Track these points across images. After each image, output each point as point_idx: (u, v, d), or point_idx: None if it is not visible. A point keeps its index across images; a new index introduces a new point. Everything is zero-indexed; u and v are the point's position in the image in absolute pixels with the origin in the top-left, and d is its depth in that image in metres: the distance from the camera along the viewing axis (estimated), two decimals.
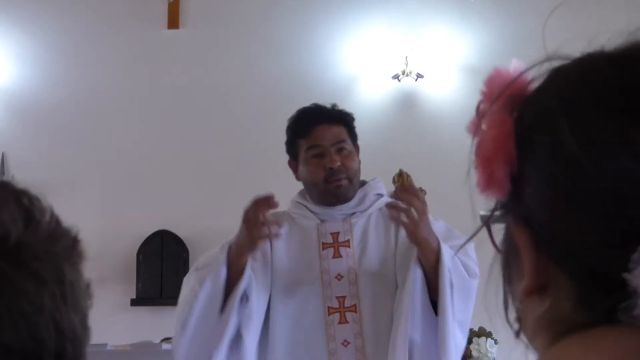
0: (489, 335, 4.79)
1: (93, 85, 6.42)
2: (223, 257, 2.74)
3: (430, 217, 2.83)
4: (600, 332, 0.70)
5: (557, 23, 1.06)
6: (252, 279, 2.75)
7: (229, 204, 6.40)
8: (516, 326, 0.79)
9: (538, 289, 0.74)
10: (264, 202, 2.69)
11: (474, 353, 4.77)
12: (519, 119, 0.74)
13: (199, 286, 2.72)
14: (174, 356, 2.74)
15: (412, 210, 2.64)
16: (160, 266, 6.25)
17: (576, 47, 0.76)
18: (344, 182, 2.86)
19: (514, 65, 0.78)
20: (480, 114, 0.77)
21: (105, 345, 4.32)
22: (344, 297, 2.79)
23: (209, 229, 6.02)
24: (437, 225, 2.85)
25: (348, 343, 2.74)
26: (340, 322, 2.76)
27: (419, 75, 6.29)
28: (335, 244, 2.87)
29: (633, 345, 0.68)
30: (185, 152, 6.34)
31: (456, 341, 2.69)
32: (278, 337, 2.79)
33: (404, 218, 2.64)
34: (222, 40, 6.45)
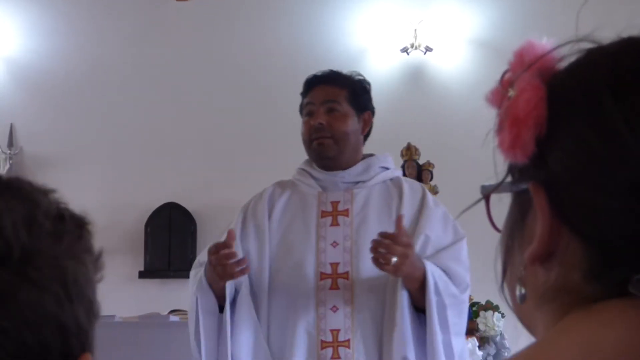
0: (495, 309, 4.81)
1: (102, 57, 6.41)
2: (204, 283, 2.79)
3: (431, 202, 2.87)
4: (607, 306, 0.70)
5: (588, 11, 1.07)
6: (233, 289, 2.81)
7: (237, 177, 6.41)
8: (508, 296, 0.81)
9: (543, 256, 0.75)
10: (223, 246, 2.70)
11: (481, 327, 4.78)
12: (554, 87, 0.76)
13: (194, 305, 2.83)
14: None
15: (393, 258, 2.61)
16: (168, 239, 6.27)
17: (603, 34, 0.78)
18: (326, 141, 2.87)
19: (545, 41, 0.79)
20: (506, 83, 0.78)
21: (113, 316, 4.35)
22: (337, 263, 2.80)
23: (217, 202, 6.04)
24: (436, 213, 2.87)
25: (337, 308, 2.77)
26: (331, 288, 2.79)
27: (428, 49, 6.27)
28: (334, 213, 2.88)
29: None
30: (194, 124, 6.34)
31: (457, 347, 2.75)
32: (274, 300, 2.82)
33: (389, 263, 2.63)
34: (231, 12, 6.43)
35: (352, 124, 2.91)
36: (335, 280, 2.79)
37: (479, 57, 6.21)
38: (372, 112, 2.98)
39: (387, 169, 2.98)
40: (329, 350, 2.75)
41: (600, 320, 0.70)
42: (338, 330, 2.76)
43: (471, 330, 4.67)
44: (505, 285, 0.82)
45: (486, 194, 0.81)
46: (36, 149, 6.35)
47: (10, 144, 6.30)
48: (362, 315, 2.77)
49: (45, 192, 0.90)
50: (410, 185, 2.95)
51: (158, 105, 6.37)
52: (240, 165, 6.14)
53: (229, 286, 2.76)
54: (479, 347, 4.62)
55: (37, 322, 0.83)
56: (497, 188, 0.80)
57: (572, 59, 0.78)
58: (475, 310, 4.81)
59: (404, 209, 2.84)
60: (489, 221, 0.81)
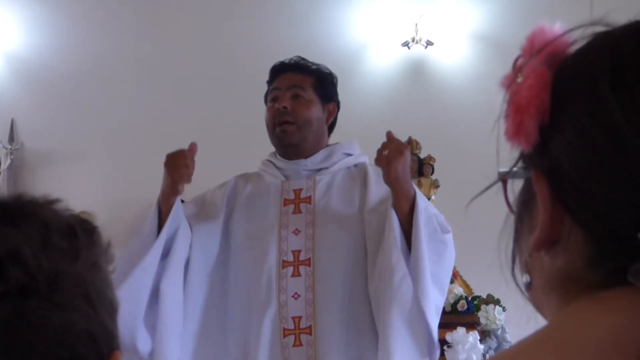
0: (497, 302, 4.80)
1: (102, 52, 6.41)
2: (154, 207, 2.88)
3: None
4: (611, 294, 0.71)
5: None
6: (180, 220, 2.87)
7: (238, 171, 6.42)
8: (524, 279, 0.81)
9: (548, 243, 0.75)
10: (183, 152, 2.89)
11: (482, 320, 4.78)
12: (559, 73, 0.75)
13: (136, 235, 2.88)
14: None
15: (385, 151, 2.65)
16: None
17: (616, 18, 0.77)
18: (289, 128, 2.88)
19: (557, 26, 0.78)
20: (516, 68, 0.78)
21: None
22: (299, 250, 2.80)
23: None
24: None
25: (299, 295, 2.76)
26: (293, 275, 2.78)
27: (429, 43, 6.26)
28: (297, 200, 2.88)
29: None
30: (194, 118, 6.34)
31: (434, 297, 2.65)
32: (236, 289, 2.83)
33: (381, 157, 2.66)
34: (232, 7, 6.43)
35: (316, 111, 2.92)
36: (297, 268, 2.78)
37: (480, 52, 6.20)
38: (337, 105, 2.99)
39: (349, 155, 2.98)
40: (291, 338, 2.74)
41: (604, 308, 0.70)
42: (300, 318, 2.75)
43: (472, 324, 4.67)
44: (516, 269, 0.82)
45: (499, 179, 0.81)
46: (37, 144, 6.34)
47: (11, 139, 6.30)
48: (323, 301, 2.76)
49: (51, 206, 0.91)
50: (375, 170, 2.89)
51: (159, 100, 6.37)
52: (241, 160, 6.13)
53: (177, 204, 2.85)
54: (480, 340, 4.61)
55: (69, 340, 0.88)
56: (509, 174, 0.79)
57: (582, 43, 0.77)
58: (476, 304, 4.81)
59: (370, 194, 2.83)
60: (506, 204, 0.81)
